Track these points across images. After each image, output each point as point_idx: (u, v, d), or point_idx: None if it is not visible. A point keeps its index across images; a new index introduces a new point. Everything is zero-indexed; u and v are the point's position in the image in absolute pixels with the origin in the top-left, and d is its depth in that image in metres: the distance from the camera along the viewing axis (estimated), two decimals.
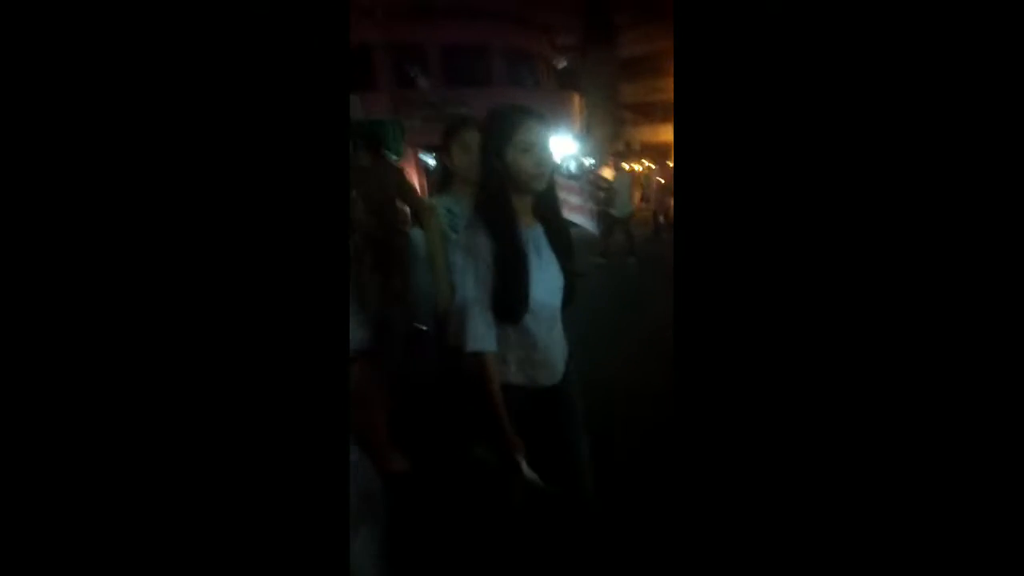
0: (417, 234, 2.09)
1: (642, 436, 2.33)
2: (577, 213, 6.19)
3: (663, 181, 8.60)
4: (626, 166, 7.76)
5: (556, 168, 1.50)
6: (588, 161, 12.75)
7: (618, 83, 21.55)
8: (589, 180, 7.05)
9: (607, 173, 6.96)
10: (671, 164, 8.24)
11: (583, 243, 5.00)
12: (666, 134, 20.55)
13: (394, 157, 4.28)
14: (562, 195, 2.07)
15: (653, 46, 20.10)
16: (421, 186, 10.69)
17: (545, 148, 1.16)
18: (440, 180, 1.92)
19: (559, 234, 1.28)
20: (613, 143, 15.24)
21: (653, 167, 11.13)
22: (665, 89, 20.31)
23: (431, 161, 11.14)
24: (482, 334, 1.15)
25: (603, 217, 6.67)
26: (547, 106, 12.35)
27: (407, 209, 2.59)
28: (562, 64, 15.38)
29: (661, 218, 8.43)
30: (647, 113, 21.38)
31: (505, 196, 1.17)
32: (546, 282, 1.22)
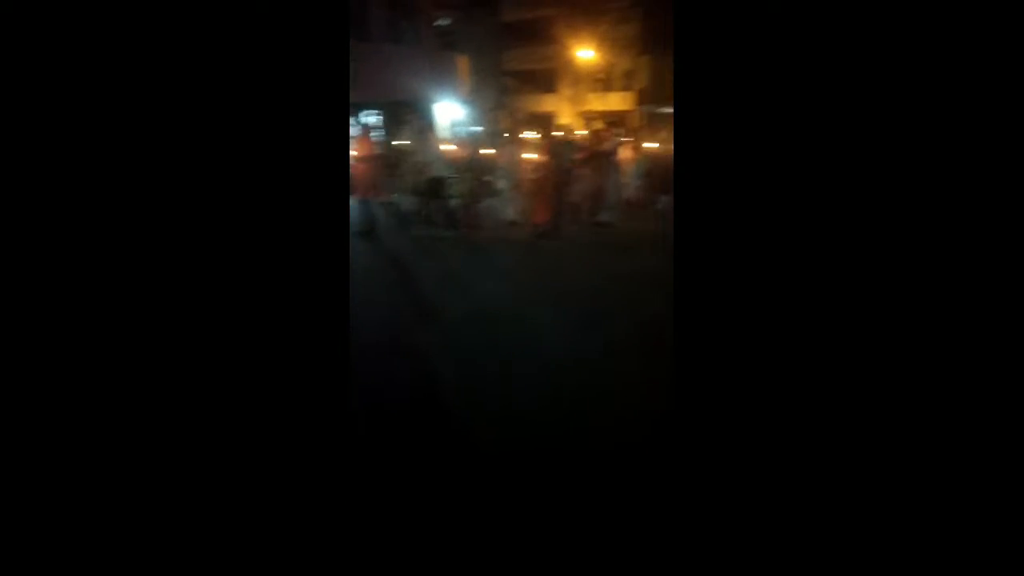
0: None
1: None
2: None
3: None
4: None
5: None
6: (475, 128, 12.44)
7: (501, 48, 21.23)
8: None
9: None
10: (552, 134, 7.94)
11: None
12: (549, 104, 20.79)
13: None
14: None
15: (536, 12, 20.03)
16: None
17: None
18: None
19: None
20: (497, 111, 15.02)
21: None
22: (547, 57, 20.45)
23: None
24: None
25: None
26: (432, 67, 11.77)
27: None
28: (444, 23, 14.68)
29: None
30: (530, 81, 21.40)
31: None
32: None
